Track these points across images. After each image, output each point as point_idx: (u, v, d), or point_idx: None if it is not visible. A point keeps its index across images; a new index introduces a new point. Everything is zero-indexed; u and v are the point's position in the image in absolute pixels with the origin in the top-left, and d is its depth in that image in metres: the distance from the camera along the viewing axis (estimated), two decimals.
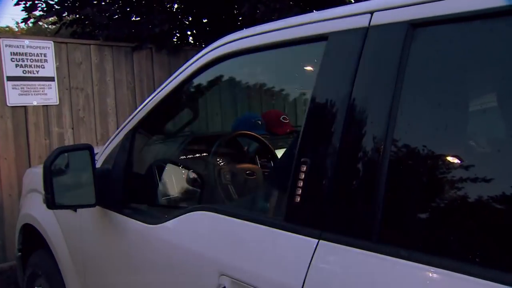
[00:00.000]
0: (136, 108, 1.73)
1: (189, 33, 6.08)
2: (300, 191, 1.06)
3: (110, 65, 4.95)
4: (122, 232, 1.62)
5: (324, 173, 1.02)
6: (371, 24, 1.05)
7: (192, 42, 6.11)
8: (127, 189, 1.69)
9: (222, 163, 1.85)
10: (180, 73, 1.57)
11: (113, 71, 4.97)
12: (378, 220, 0.91)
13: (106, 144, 1.83)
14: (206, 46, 1.55)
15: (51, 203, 1.48)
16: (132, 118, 1.72)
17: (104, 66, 4.92)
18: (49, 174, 1.47)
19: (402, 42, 0.96)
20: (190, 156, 1.99)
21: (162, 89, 1.62)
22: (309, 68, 1.33)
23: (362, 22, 1.06)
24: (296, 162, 1.08)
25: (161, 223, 1.42)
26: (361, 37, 1.05)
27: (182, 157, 1.97)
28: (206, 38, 5.73)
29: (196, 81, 1.58)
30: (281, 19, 1.35)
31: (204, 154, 1.99)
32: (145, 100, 1.69)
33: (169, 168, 1.82)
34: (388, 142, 0.93)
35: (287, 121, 2.63)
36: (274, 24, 1.31)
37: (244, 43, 1.37)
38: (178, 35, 5.72)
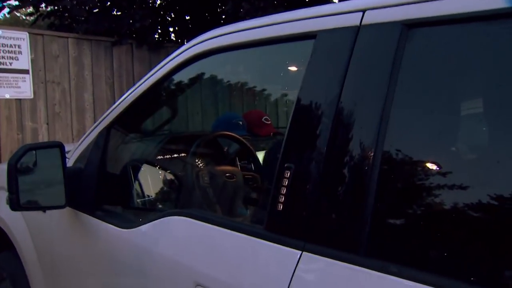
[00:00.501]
0: (113, 104, 1.65)
1: (171, 29, 5.97)
2: (283, 199, 0.99)
3: (89, 59, 4.82)
4: (93, 235, 1.53)
5: (309, 180, 0.96)
6: (363, 23, 0.99)
7: (174, 39, 6.00)
8: (100, 190, 1.60)
9: (200, 165, 1.77)
10: (159, 69, 1.49)
11: (92, 66, 4.83)
12: (366, 232, 0.85)
13: (80, 142, 1.73)
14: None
15: (15, 203, 1.38)
16: (108, 114, 1.63)
17: (82, 60, 4.78)
18: (14, 173, 1.37)
19: (395, 43, 0.91)
20: (167, 157, 1.90)
21: (140, 85, 1.54)
22: (295, 67, 1.27)
23: (353, 20, 1.01)
24: (279, 167, 1.02)
25: (135, 227, 1.34)
26: (351, 36, 0.99)
27: (159, 157, 1.88)
28: (188, 35, 5.63)
29: (175, 78, 1.50)
30: None
31: (182, 154, 1.91)
32: (121, 96, 1.60)
33: (145, 169, 1.73)
34: (379, 148, 0.87)
35: (269, 122, 2.56)
36: (259, 20, 1.24)
37: (227, 39, 1.30)
38: (159, 31, 5.60)
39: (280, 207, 1.00)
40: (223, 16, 5.27)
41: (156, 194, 1.71)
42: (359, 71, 0.96)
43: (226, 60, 1.47)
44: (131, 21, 4.79)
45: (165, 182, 1.72)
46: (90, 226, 1.55)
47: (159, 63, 1.52)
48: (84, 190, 1.60)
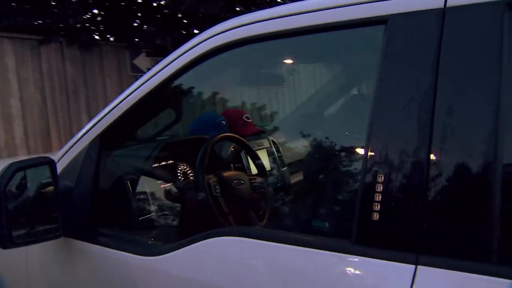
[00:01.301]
0: (102, 110, 1.40)
1: (103, 27, 5.53)
2: (378, 207, 0.87)
3: (12, 60, 4.27)
4: (101, 268, 1.28)
5: (414, 183, 0.84)
6: (448, 5, 0.89)
7: (108, 36, 5.56)
8: (95, 210, 1.35)
9: (206, 173, 1.58)
10: (166, 66, 1.28)
11: (17, 68, 4.30)
12: (498, 236, 0.76)
13: (61, 154, 1.45)
14: (199, 33, 1.28)
15: (7, 240, 1.10)
16: (100, 120, 1.37)
17: (4, 62, 4.23)
18: (4, 201, 1.09)
19: (499, 26, 0.82)
20: (168, 166, 1.68)
21: (141, 85, 1.31)
22: (355, 57, 1.13)
23: (435, 2, 0.90)
24: (366, 172, 0.89)
25: (164, 253, 1.13)
26: (437, 21, 0.89)
27: (158, 167, 1.65)
28: (123, 33, 5.25)
29: (187, 77, 1.29)
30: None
31: (184, 162, 1.70)
32: (117, 99, 1.36)
33: (145, 182, 1.50)
34: (499, 140, 0.78)
35: (250, 120, 2.41)
36: (303, 4, 1.09)
37: (261, 28, 1.14)
38: (92, 28, 5.15)
39: (376, 216, 0.87)
40: (165, 11, 4.98)
41: (158, 210, 1.49)
42: (456, 59, 0.86)
43: (259, 53, 1.29)
44: (62, 17, 4.32)
45: (168, 196, 1.50)
46: (93, 256, 1.29)
47: (165, 57, 1.31)
48: (77, 212, 1.35)
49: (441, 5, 0.89)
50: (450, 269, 0.78)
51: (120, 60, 5.39)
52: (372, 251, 0.86)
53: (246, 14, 1.20)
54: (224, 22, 1.23)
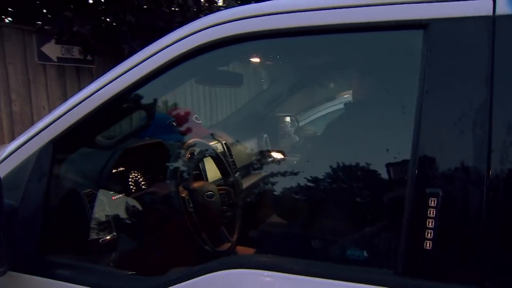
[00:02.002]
0: (56, 109, 1.13)
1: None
2: (431, 234, 0.77)
3: None
4: None
5: (473, 206, 0.76)
6: (497, 13, 0.83)
7: (10, 19, 4.88)
8: (47, 235, 1.09)
9: (175, 183, 1.37)
10: (140, 63, 1.07)
11: None
12: None
13: None
14: (187, 23, 1.09)
15: None
16: (52, 123, 1.11)
17: None
18: None
19: None
20: (128, 176, 1.43)
21: (109, 82, 1.08)
22: (387, 64, 1.02)
23: (483, 9, 0.83)
24: (414, 194, 0.79)
25: None
26: (487, 28, 0.82)
27: (119, 178, 1.40)
28: (28, 13, 4.64)
29: (168, 77, 1.09)
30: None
31: (143, 171, 1.46)
32: (74, 98, 1.11)
33: (104, 197, 1.26)
34: None
35: (200, 121, 2.22)
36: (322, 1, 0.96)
37: (267, 23, 0.98)
38: None
39: (429, 245, 0.77)
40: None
41: (127, 229, 1.26)
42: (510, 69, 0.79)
43: (263, 53, 1.12)
44: None
45: (136, 211, 1.28)
46: None
47: (135, 53, 1.09)
48: (24, 238, 1.07)
49: (490, 12, 0.83)
50: None
51: (26, 46, 4.77)
52: (425, 284, 0.77)
53: (251, 5, 1.03)
54: (216, 13, 1.06)
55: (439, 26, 0.85)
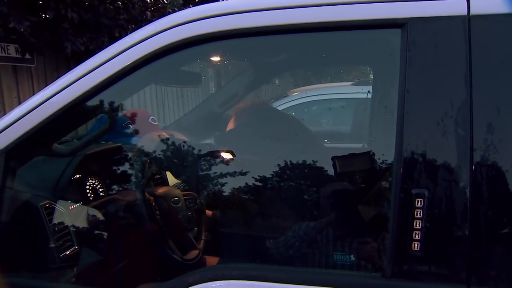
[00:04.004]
0: (8, 114, 1.03)
1: None
2: (419, 235, 0.77)
3: None
4: None
5: (458, 206, 0.76)
6: (472, 13, 0.84)
7: None
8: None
9: (138, 189, 1.29)
10: (100, 66, 0.99)
11: None
12: None
13: None
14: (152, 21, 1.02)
15: None
16: (3, 131, 1.01)
17: None
18: None
19: None
20: (88, 185, 1.33)
21: (67, 86, 1.00)
22: (360, 62, 1.00)
23: (457, 9, 0.84)
24: (398, 195, 0.78)
25: None
26: (462, 27, 0.83)
27: (79, 187, 1.29)
28: None
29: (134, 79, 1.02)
30: None
31: (104, 178, 1.37)
32: (27, 103, 1.01)
33: (63, 207, 1.16)
34: None
35: (156, 123, 2.12)
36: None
37: (237, 22, 0.94)
38: None
39: (417, 246, 0.77)
40: None
41: (82, 241, 1.16)
42: (487, 68, 0.81)
43: (231, 53, 1.07)
44: None
45: (99, 221, 1.19)
46: None
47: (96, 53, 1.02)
48: None
49: (465, 12, 0.84)
50: None
51: None
52: (414, 286, 0.76)
53: (219, 2, 0.98)
54: (183, 11, 1.00)
55: (416, 25, 0.85)
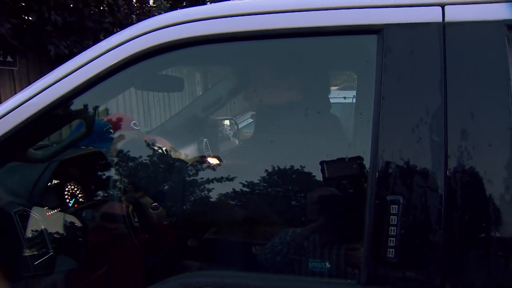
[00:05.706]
0: None
1: None
2: (394, 242, 0.77)
3: None
4: None
5: (433, 212, 0.76)
6: (447, 20, 0.85)
7: None
8: None
9: (116, 195, 1.27)
10: (76, 70, 0.98)
11: None
12: None
13: None
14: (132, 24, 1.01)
15: None
16: None
17: None
18: None
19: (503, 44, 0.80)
20: (65, 190, 1.31)
21: (44, 89, 0.98)
22: (335, 68, 1.00)
23: (433, 16, 0.85)
24: (374, 202, 0.78)
25: None
26: (437, 34, 0.83)
27: (55, 193, 1.26)
28: None
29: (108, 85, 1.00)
30: None
31: (81, 184, 1.34)
32: (3, 106, 0.99)
33: (38, 214, 1.14)
34: None
35: (138, 128, 2.11)
36: (276, 2, 0.93)
37: (214, 27, 0.94)
38: None
39: (392, 253, 0.77)
40: None
41: (59, 249, 1.14)
42: (462, 74, 0.81)
43: (211, 58, 1.06)
44: None
45: (76, 228, 1.17)
46: None
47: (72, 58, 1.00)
48: None
49: (439, 19, 0.84)
50: None
51: None
52: None
53: (198, 7, 0.98)
54: (161, 15, 0.99)
55: (392, 32, 0.85)
